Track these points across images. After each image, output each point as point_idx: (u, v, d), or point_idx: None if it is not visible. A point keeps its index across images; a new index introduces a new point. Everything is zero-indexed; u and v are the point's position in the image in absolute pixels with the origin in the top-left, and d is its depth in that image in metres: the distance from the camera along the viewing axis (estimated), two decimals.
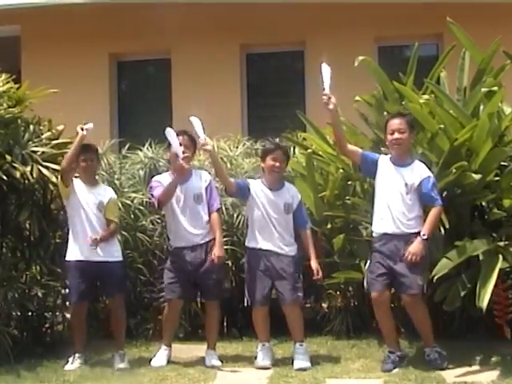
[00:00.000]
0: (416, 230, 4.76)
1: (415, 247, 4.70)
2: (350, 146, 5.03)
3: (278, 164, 5.05)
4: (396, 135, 4.83)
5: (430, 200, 4.80)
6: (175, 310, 5.26)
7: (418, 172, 4.83)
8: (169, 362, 5.17)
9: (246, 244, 5.17)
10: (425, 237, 4.71)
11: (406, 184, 4.78)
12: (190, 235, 5.10)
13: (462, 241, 4.92)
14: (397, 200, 4.80)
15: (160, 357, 5.18)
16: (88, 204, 5.11)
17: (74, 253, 5.08)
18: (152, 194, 5.20)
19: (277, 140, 5.81)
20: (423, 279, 4.75)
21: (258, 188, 5.11)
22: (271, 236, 5.01)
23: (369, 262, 4.95)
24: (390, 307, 4.89)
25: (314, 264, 5.06)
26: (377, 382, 4.54)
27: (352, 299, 5.93)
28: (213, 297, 5.22)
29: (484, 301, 4.60)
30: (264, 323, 5.09)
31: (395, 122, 4.87)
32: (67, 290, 5.42)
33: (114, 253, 5.15)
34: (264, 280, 5.00)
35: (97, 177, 5.46)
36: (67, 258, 5.12)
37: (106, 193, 5.26)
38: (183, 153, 5.03)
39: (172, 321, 5.30)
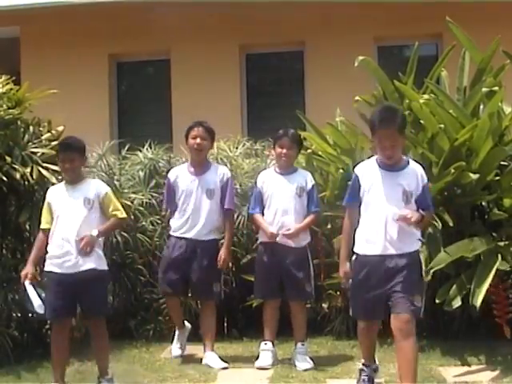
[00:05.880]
0: (415, 249, 3.98)
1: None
2: (348, 228, 4.17)
3: (284, 151, 5.07)
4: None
5: (427, 207, 4.06)
6: (173, 304, 5.31)
7: (420, 174, 4.02)
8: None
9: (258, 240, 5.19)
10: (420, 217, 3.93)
11: (405, 191, 3.93)
12: (193, 229, 5.07)
13: (462, 241, 4.91)
14: (392, 213, 3.90)
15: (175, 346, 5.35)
16: (71, 205, 4.44)
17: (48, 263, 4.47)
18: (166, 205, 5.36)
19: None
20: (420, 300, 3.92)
21: (268, 177, 5.15)
22: (281, 226, 4.96)
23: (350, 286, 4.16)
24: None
25: (288, 232, 4.94)
26: (377, 382, 4.52)
27: None
28: (202, 297, 5.22)
29: (478, 299, 4.60)
30: (272, 318, 5.08)
31: None
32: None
33: (96, 260, 4.41)
34: (272, 273, 4.99)
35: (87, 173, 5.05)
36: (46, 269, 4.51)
37: (92, 187, 4.49)
38: (199, 145, 5.08)
39: (175, 311, 5.38)
